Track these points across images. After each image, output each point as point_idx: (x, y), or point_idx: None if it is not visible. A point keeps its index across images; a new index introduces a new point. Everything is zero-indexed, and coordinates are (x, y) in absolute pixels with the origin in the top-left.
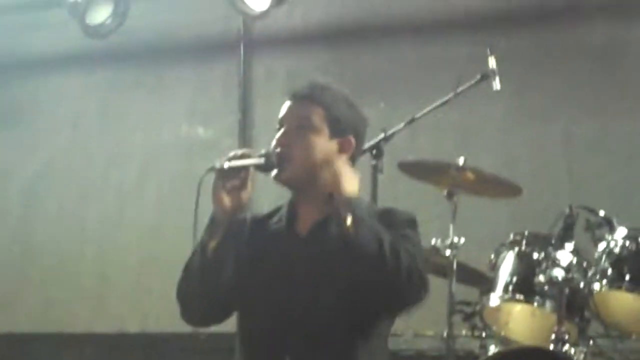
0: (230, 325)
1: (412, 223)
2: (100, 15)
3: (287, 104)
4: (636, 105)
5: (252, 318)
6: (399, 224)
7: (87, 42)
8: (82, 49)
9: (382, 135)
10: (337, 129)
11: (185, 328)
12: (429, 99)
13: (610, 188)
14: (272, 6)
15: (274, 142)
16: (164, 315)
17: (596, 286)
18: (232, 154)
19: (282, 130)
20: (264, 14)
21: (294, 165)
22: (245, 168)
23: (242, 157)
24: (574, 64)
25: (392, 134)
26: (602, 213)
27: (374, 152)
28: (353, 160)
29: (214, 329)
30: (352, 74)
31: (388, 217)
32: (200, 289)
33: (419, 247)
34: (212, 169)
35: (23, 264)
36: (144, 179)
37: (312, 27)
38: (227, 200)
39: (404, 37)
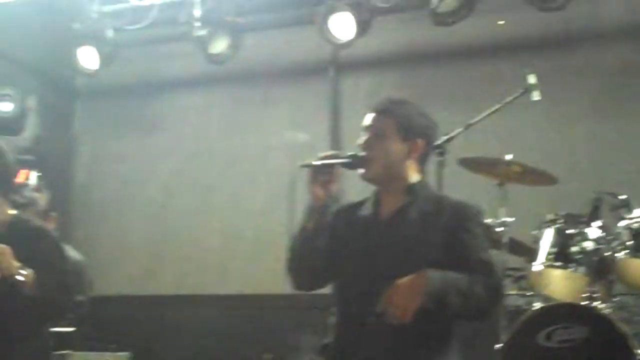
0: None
1: (480, 214)
2: (219, 46)
3: (369, 115)
4: None
5: (344, 287)
6: (470, 218)
7: (209, 68)
8: (206, 74)
9: (445, 138)
10: (407, 135)
11: (289, 290)
12: (482, 108)
13: (628, 176)
14: (355, 37)
15: (359, 146)
16: (273, 280)
17: (619, 255)
18: (322, 154)
19: (364, 137)
20: (349, 43)
21: (374, 167)
22: (332, 165)
23: (330, 157)
24: (595, 80)
25: (453, 136)
26: (622, 197)
27: (439, 151)
28: (425, 157)
29: None
30: (418, 89)
31: (462, 212)
32: (302, 262)
33: (485, 240)
34: (305, 165)
35: (162, 240)
36: (256, 175)
37: (387, 53)
38: (319, 191)
39: (460, 59)
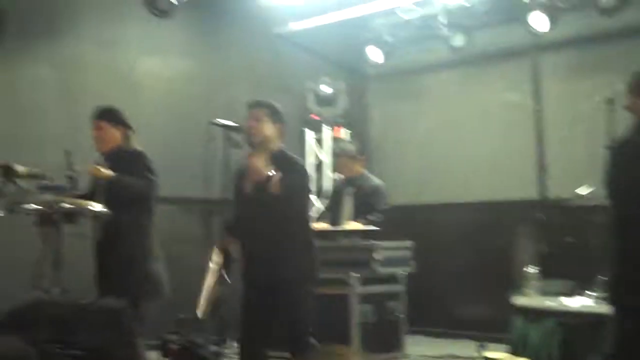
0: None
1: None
2: (458, 40)
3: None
4: None
5: None
6: None
7: (450, 56)
8: (447, 60)
9: None
10: None
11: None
12: None
13: None
14: (549, 29)
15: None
16: (504, 190)
17: None
18: None
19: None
20: (544, 33)
21: None
22: None
23: None
24: None
25: None
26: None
27: None
28: None
29: None
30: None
31: None
32: None
33: None
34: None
35: (428, 167)
36: (489, 122)
37: (570, 38)
38: None
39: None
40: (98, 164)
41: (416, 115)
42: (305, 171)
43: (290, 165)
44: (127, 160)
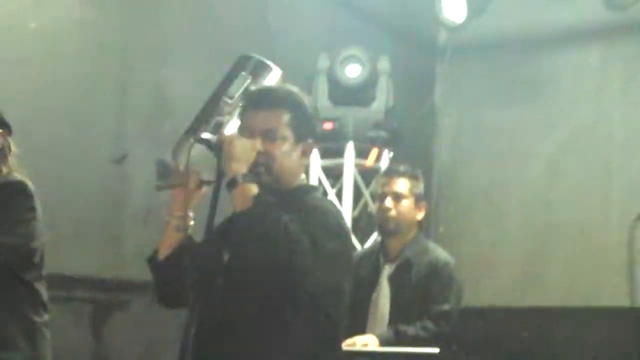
0: None
1: None
2: None
3: None
4: None
5: None
6: None
7: (607, 16)
8: (603, 23)
9: None
10: None
11: None
12: None
13: None
14: None
15: None
16: None
17: None
18: None
19: None
20: None
21: None
22: None
23: None
24: None
25: None
26: None
27: None
28: None
29: None
30: None
31: None
32: None
33: None
34: None
35: (548, 234)
36: None
37: None
38: None
39: None
40: None
41: (531, 128)
42: (333, 228)
43: (305, 215)
44: None
